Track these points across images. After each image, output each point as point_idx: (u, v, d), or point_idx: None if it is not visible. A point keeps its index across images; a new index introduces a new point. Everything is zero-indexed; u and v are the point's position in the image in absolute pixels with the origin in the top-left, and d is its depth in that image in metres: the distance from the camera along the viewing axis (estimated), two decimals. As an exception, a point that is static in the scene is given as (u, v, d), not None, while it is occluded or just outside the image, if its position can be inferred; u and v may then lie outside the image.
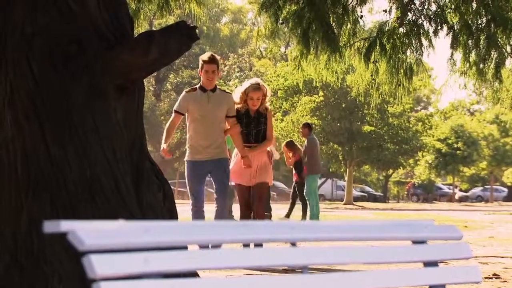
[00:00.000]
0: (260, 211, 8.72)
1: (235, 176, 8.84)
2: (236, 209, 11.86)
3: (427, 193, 61.92)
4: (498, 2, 9.37)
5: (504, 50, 9.82)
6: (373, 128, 43.34)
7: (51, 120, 4.18)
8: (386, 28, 9.79)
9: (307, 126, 17.45)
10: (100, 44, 4.31)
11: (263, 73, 54.94)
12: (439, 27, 9.70)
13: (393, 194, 68.25)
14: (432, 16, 9.68)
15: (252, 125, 8.79)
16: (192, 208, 8.50)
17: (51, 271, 3.98)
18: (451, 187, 61.51)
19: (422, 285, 2.98)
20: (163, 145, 8.57)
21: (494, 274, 7.81)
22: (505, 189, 64.71)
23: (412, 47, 9.83)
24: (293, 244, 2.70)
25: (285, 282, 2.62)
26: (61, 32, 4.28)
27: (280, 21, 9.54)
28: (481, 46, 9.69)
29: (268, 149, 9.09)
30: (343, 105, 42.44)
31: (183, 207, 10.84)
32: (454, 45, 9.78)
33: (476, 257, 9.51)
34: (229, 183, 8.75)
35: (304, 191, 16.56)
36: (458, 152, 53.82)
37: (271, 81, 42.21)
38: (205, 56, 8.59)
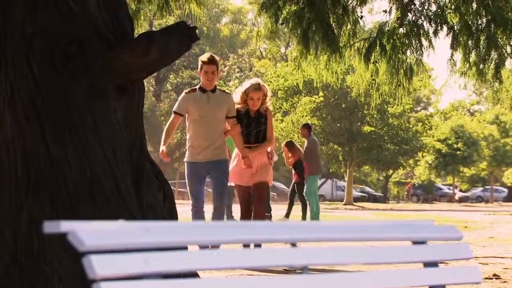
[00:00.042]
0: (260, 211, 8.72)
1: (235, 176, 8.84)
2: (236, 209, 11.86)
3: (427, 193, 61.90)
4: (498, 2, 9.37)
5: (504, 50, 9.82)
6: (373, 129, 43.34)
7: (51, 120, 4.17)
8: (386, 29, 9.79)
9: (306, 126, 17.46)
10: (100, 44, 4.31)
11: (263, 73, 54.94)
12: (439, 28, 9.69)
13: (393, 194, 68.23)
14: (432, 17, 9.68)
15: (253, 125, 8.79)
16: (192, 208, 8.50)
17: (51, 271, 3.98)
18: (451, 187, 61.50)
19: (422, 285, 2.98)
20: (162, 147, 8.56)
21: (494, 275, 7.81)
22: (505, 190, 64.71)
23: (412, 48, 9.83)
24: (293, 245, 2.70)
25: (285, 282, 2.62)
26: (61, 32, 4.28)
27: (280, 22, 9.54)
28: (481, 46, 9.69)
29: (269, 150, 9.08)
30: (343, 106, 42.46)
31: (183, 208, 10.84)
32: (454, 46, 9.78)
33: (476, 257, 9.51)
34: (228, 184, 8.76)
35: (304, 191, 16.57)
36: (458, 152, 53.82)
37: (271, 82, 42.23)
38: (204, 57, 8.58)
